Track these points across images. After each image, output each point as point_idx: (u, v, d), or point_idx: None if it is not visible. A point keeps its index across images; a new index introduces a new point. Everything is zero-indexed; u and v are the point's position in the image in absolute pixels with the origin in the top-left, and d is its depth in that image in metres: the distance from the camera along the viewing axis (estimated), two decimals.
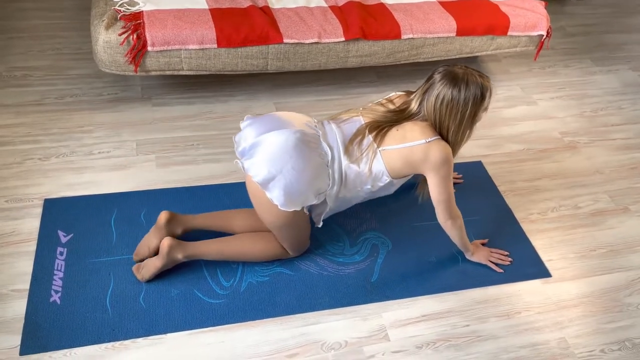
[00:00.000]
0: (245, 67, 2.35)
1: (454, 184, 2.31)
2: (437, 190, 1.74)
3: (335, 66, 2.48)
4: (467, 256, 2.01)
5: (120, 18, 2.20)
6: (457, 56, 2.65)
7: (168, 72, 2.30)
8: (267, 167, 1.61)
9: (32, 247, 1.87)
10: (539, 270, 2.03)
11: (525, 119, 2.73)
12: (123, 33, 2.14)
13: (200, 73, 2.35)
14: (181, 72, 2.31)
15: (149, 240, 1.84)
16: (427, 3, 2.59)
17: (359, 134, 1.72)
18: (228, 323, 1.73)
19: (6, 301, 1.71)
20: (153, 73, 2.29)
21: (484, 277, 1.98)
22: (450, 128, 1.69)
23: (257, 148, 1.65)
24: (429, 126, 1.70)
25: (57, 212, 1.99)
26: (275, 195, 1.61)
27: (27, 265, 1.81)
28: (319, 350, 1.70)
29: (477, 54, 2.68)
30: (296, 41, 2.31)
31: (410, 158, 1.69)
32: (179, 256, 1.77)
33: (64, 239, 1.90)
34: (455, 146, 1.74)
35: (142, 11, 2.24)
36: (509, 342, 1.78)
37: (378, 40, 2.43)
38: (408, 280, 1.93)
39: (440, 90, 1.64)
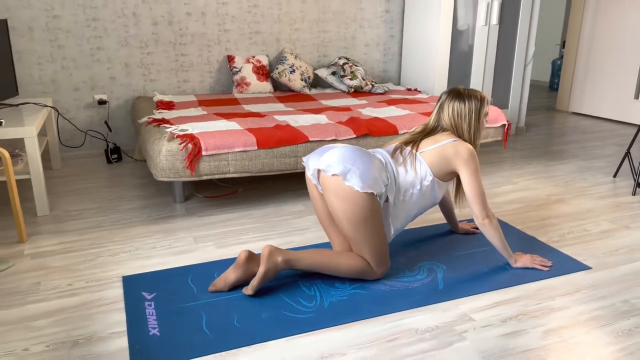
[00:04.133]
0: (280, 166, 2.79)
1: (472, 233, 2.62)
2: (470, 186, 2.10)
3: None
4: (512, 263, 2.23)
5: (177, 136, 2.67)
6: None
7: (217, 176, 2.69)
8: (343, 163, 1.95)
9: (121, 305, 1.96)
10: (579, 266, 2.26)
11: (514, 191, 3.20)
12: (182, 142, 2.60)
13: (244, 175, 2.75)
14: (228, 175, 2.71)
15: (227, 275, 2.04)
16: (409, 115, 3.26)
17: (397, 148, 2.16)
18: (322, 328, 1.82)
19: (107, 341, 1.75)
20: (204, 177, 2.67)
21: (534, 274, 2.18)
22: (464, 130, 2.16)
23: (327, 153, 2.03)
24: (450, 133, 2.18)
25: (136, 282, 2.11)
26: (354, 182, 1.92)
27: (120, 316, 1.88)
28: (414, 334, 1.79)
29: None
30: (319, 139, 2.83)
31: (444, 153, 2.11)
32: (279, 259, 1.97)
33: (148, 297, 2.01)
34: (472, 144, 2.18)
35: (193, 133, 2.74)
36: (576, 310, 1.93)
37: (381, 136, 2.99)
38: (471, 284, 2.11)
39: (451, 104, 2.17)
